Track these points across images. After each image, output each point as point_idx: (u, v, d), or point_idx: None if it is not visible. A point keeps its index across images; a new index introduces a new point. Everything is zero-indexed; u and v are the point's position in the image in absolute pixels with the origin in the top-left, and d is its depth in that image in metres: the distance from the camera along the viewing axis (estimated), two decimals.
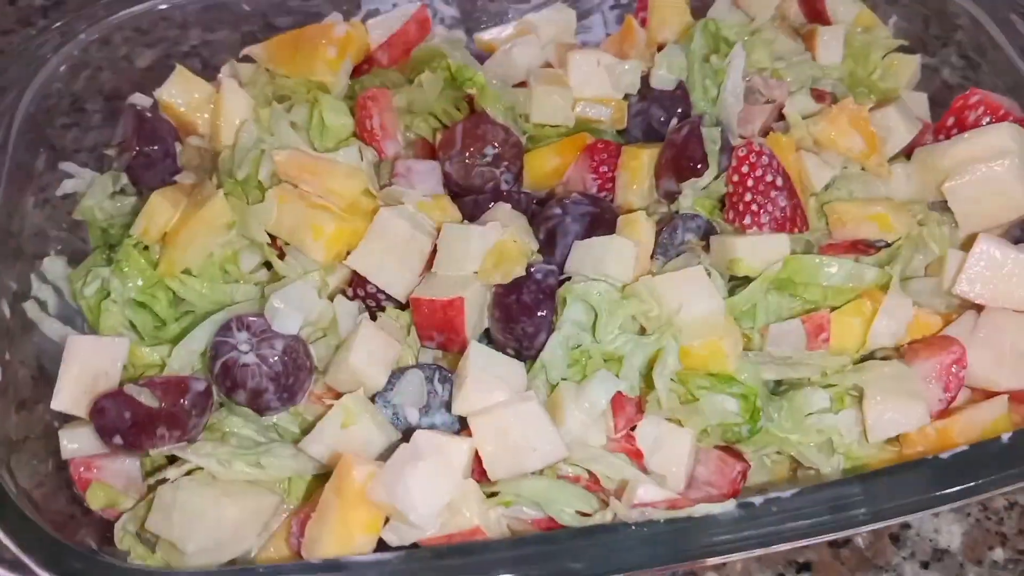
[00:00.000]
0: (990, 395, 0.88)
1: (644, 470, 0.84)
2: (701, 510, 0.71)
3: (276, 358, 0.83)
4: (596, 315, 0.87)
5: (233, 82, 1.00)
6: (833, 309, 0.92)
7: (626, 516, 0.72)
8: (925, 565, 0.97)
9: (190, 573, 0.78)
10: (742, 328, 0.91)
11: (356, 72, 1.10)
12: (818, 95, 1.09)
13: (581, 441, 0.82)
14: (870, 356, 0.91)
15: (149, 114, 1.01)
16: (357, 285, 0.95)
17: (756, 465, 0.90)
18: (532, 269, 0.90)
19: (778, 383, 0.92)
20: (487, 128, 1.01)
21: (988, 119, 1.03)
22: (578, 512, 0.77)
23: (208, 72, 1.18)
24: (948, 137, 1.04)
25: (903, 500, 0.72)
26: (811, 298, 0.93)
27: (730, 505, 0.71)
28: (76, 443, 0.83)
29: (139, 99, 1.04)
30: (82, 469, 0.84)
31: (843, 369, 0.89)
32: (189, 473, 0.82)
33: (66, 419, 0.85)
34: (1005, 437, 0.76)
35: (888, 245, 0.98)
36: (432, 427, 0.85)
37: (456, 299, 0.88)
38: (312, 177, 0.94)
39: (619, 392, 0.84)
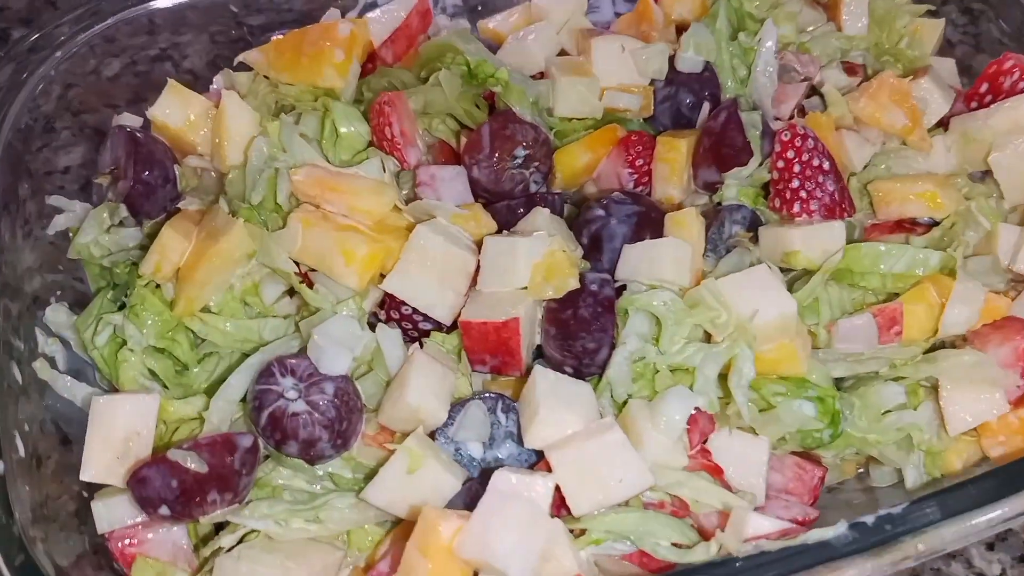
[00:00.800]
0: None
1: (727, 487, 0.80)
2: (814, 536, 0.66)
3: (327, 403, 0.76)
4: (660, 325, 0.82)
5: (234, 95, 0.91)
6: (891, 297, 0.89)
7: (737, 550, 0.67)
8: (991, 547, 0.96)
9: None
10: (806, 324, 0.87)
11: (361, 72, 1.02)
12: (849, 68, 1.05)
13: (663, 464, 0.77)
14: (938, 345, 0.87)
15: (141, 136, 0.91)
16: (391, 308, 0.88)
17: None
18: (586, 280, 0.84)
19: (840, 379, 0.88)
20: (516, 128, 0.94)
21: None
22: (674, 544, 0.73)
23: (183, 77, 1.09)
24: (982, 105, 1.01)
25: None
26: (871, 287, 0.90)
27: (842, 528, 0.67)
28: (113, 514, 0.75)
29: (127, 119, 0.94)
30: (123, 543, 0.75)
31: (913, 360, 0.85)
32: (243, 537, 0.75)
33: (95, 488, 0.77)
34: None
35: (936, 223, 0.95)
36: (498, 461, 0.79)
37: (511, 320, 0.81)
38: (335, 196, 0.86)
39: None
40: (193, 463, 0.71)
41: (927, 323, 0.87)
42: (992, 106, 0.99)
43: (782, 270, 0.90)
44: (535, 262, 0.84)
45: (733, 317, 0.81)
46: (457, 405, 0.80)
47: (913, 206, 0.96)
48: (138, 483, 0.71)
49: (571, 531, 0.73)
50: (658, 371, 0.82)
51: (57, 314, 0.86)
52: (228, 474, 0.73)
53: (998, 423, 0.83)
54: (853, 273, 0.89)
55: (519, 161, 0.94)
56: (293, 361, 0.77)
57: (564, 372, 0.84)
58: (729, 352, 0.80)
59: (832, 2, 1.08)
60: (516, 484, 0.71)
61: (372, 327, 0.85)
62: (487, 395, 0.81)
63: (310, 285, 0.87)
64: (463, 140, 0.97)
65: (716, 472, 0.80)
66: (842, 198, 0.92)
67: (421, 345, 0.84)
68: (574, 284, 0.84)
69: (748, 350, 0.80)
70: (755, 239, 0.92)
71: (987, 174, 0.99)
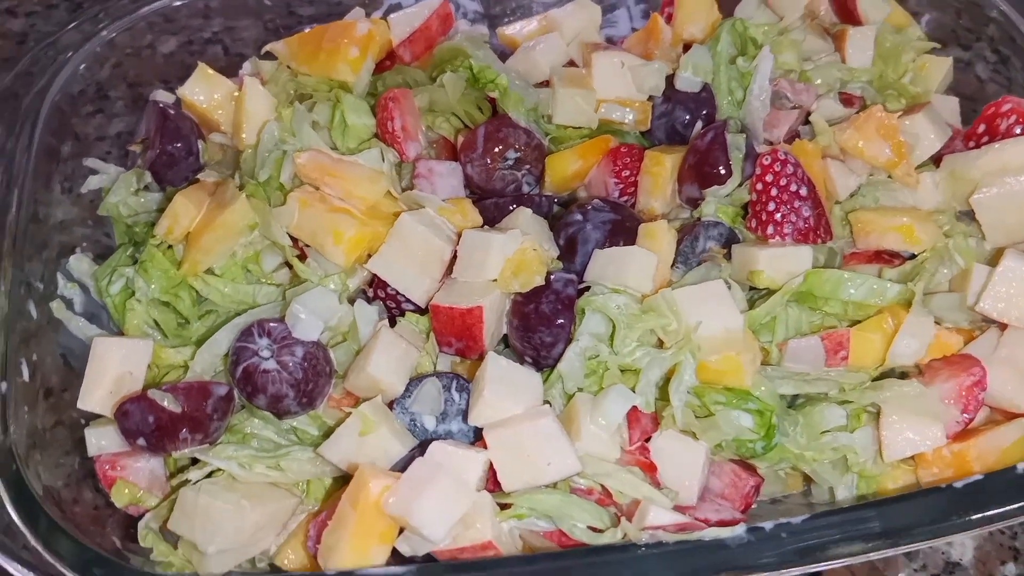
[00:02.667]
0: (1010, 416, 0.88)
1: (657, 483, 0.84)
2: (711, 534, 0.71)
3: (296, 364, 0.84)
4: (614, 327, 0.88)
5: (255, 81, 1.00)
6: (853, 324, 0.92)
7: (636, 537, 0.72)
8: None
9: None
10: (760, 342, 0.91)
11: (379, 68, 1.09)
12: (847, 99, 1.07)
13: (595, 455, 0.82)
14: (889, 373, 0.90)
15: (172, 111, 1.01)
16: (378, 287, 0.96)
17: (770, 477, 0.91)
18: (552, 278, 0.90)
19: (794, 397, 0.92)
20: (509, 131, 1.00)
21: (1021, 128, 1.01)
22: (590, 527, 0.78)
23: (231, 60, 1.19)
24: (979, 145, 1.03)
25: (915, 528, 0.72)
26: (832, 312, 0.93)
27: (740, 530, 0.72)
28: (102, 441, 0.85)
29: (162, 96, 1.04)
30: (107, 467, 0.86)
31: (861, 386, 0.88)
32: (211, 475, 0.83)
33: (92, 417, 0.87)
34: (1020, 467, 0.75)
35: (913, 256, 0.98)
36: (449, 435, 0.86)
37: (475, 308, 0.88)
38: (333, 180, 0.94)
39: (635, 406, 0.85)
40: (169, 403, 0.80)
41: (879, 352, 0.89)
42: (983, 147, 1.01)
43: (750, 288, 0.94)
44: (507, 258, 0.91)
45: (683, 326, 0.86)
46: (416, 380, 0.87)
47: (890, 238, 0.99)
48: (121, 415, 0.81)
49: (501, 505, 0.80)
50: (608, 369, 0.87)
51: (80, 263, 0.96)
52: (200, 417, 0.82)
53: (933, 455, 0.86)
54: (815, 297, 0.93)
55: (510, 162, 1.01)
56: (272, 324, 0.86)
57: (525, 362, 0.90)
58: (674, 359, 0.85)
59: (839, 33, 1.11)
60: (449, 454, 0.78)
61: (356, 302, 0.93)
62: (444, 374, 0.87)
63: (304, 259, 0.95)
64: (460, 139, 1.03)
65: (649, 469, 0.85)
66: (818, 224, 0.96)
67: (393, 324, 0.92)
68: (539, 281, 0.90)
69: (691, 358, 0.85)
70: (729, 256, 0.96)
71: (974, 213, 1.01)
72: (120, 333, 0.95)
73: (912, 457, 0.87)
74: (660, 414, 0.85)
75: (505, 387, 0.82)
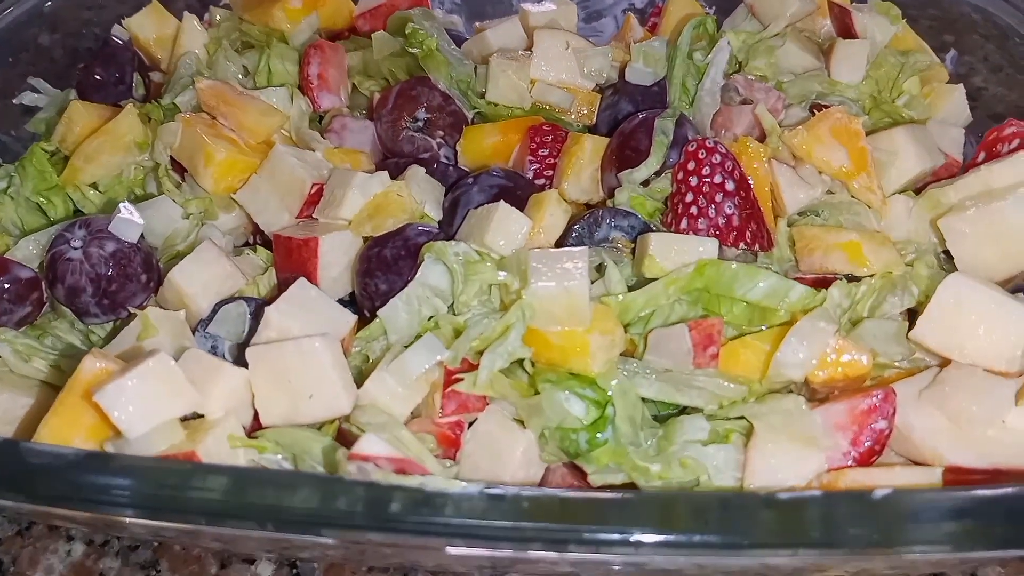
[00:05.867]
0: None
1: (452, 459, 0.70)
2: (435, 484, 0.56)
3: (100, 258, 0.78)
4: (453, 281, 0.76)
5: (193, 18, 1.01)
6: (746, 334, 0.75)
7: (342, 466, 0.58)
8: None
9: None
10: (631, 333, 0.76)
11: (337, 37, 1.08)
12: (818, 109, 0.93)
13: (379, 406, 0.69)
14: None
15: (116, 40, 1.03)
16: (256, 231, 0.90)
17: None
18: (407, 226, 0.81)
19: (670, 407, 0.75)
20: (422, 91, 0.94)
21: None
22: None
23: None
24: None
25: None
26: (733, 320, 0.77)
27: (473, 488, 0.56)
28: None
29: (118, 31, 1.06)
30: None
31: (740, 401, 0.71)
32: None
33: None
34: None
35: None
36: None
37: (311, 239, 0.80)
38: (228, 109, 0.91)
39: (455, 376, 0.71)
40: None
41: (767, 364, 0.72)
42: (970, 171, 0.84)
43: (647, 280, 0.80)
44: (367, 201, 0.83)
45: (527, 288, 0.73)
46: (222, 303, 0.78)
47: (835, 257, 0.82)
48: None
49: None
50: (438, 327, 0.75)
51: None
52: None
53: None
54: (715, 298, 0.77)
55: (420, 123, 0.94)
56: (95, 219, 0.81)
57: (364, 314, 0.80)
58: (505, 321, 0.72)
59: (830, 47, 0.98)
60: (196, 360, 0.68)
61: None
62: (252, 299, 0.78)
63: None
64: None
65: (447, 443, 0.71)
66: (743, 226, 0.82)
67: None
68: (392, 225, 0.81)
69: (521, 322, 0.71)
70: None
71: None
72: None
73: None
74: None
75: (297, 309, 0.72)
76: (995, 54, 1.03)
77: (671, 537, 0.54)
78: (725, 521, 0.55)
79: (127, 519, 0.58)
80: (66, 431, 0.64)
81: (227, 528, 0.57)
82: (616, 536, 0.53)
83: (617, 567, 0.64)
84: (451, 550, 0.56)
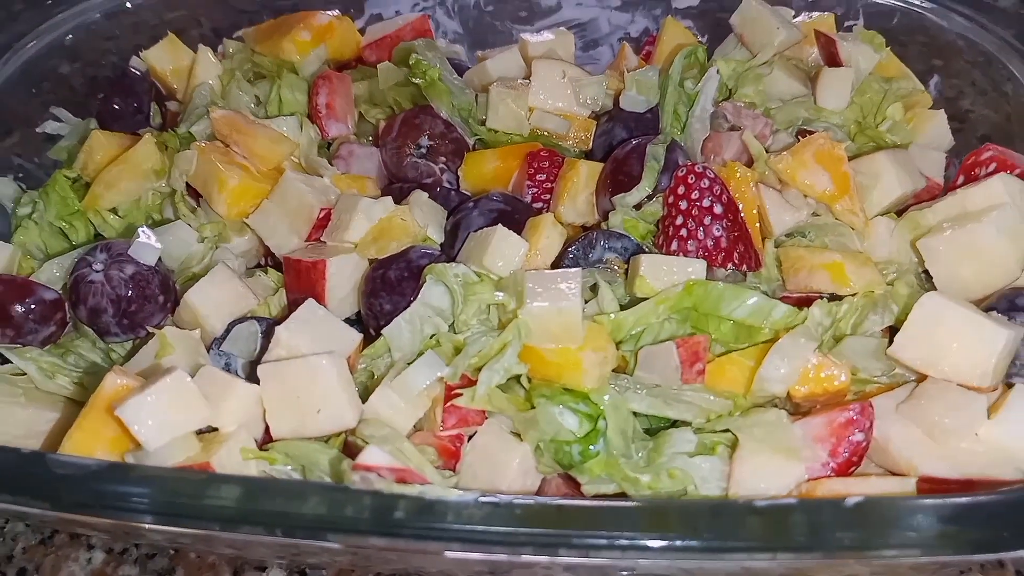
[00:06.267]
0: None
1: (453, 470, 0.74)
2: (434, 492, 0.60)
3: (121, 280, 0.82)
4: (454, 301, 0.80)
5: (208, 51, 1.06)
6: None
7: (348, 476, 0.62)
8: None
9: None
10: (622, 350, 0.80)
11: (345, 67, 1.12)
12: (805, 135, 0.97)
13: (382, 419, 0.73)
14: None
15: (135, 72, 1.08)
16: (267, 254, 0.95)
17: None
18: (411, 248, 0.85)
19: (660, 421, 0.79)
20: (425, 119, 0.99)
21: None
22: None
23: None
24: None
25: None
26: (720, 337, 0.80)
27: (470, 496, 0.60)
28: None
29: (136, 62, 1.11)
30: None
31: (726, 414, 0.75)
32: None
33: None
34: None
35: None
36: None
37: (319, 262, 0.84)
38: (241, 137, 0.95)
39: (455, 391, 0.75)
40: None
41: (751, 380, 0.76)
42: (948, 194, 0.87)
43: (639, 300, 0.84)
44: (372, 225, 0.87)
45: (523, 308, 0.77)
46: (235, 322, 0.83)
47: (819, 277, 0.86)
48: None
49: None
50: (439, 345, 0.79)
51: (6, 186, 1.01)
52: (14, 313, 0.81)
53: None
54: (703, 316, 0.81)
55: (423, 150, 0.98)
56: (116, 243, 0.85)
57: (370, 332, 0.84)
58: (502, 340, 0.76)
59: (816, 74, 1.02)
60: (211, 377, 0.72)
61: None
62: (264, 318, 0.83)
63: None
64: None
65: (448, 454, 0.75)
66: (731, 247, 0.85)
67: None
68: (396, 248, 0.85)
69: (518, 340, 0.75)
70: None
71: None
72: None
73: None
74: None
75: (306, 328, 0.76)
76: (981, 80, 1.07)
77: (661, 542, 0.57)
78: (710, 526, 0.58)
79: (146, 526, 0.62)
80: (89, 444, 0.68)
81: (240, 534, 0.60)
82: (603, 540, 0.57)
83: (606, 571, 0.67)
84: (450, 554, 0.60)
